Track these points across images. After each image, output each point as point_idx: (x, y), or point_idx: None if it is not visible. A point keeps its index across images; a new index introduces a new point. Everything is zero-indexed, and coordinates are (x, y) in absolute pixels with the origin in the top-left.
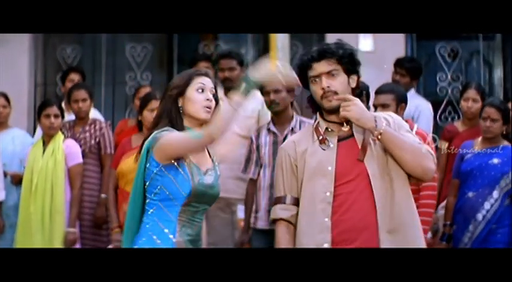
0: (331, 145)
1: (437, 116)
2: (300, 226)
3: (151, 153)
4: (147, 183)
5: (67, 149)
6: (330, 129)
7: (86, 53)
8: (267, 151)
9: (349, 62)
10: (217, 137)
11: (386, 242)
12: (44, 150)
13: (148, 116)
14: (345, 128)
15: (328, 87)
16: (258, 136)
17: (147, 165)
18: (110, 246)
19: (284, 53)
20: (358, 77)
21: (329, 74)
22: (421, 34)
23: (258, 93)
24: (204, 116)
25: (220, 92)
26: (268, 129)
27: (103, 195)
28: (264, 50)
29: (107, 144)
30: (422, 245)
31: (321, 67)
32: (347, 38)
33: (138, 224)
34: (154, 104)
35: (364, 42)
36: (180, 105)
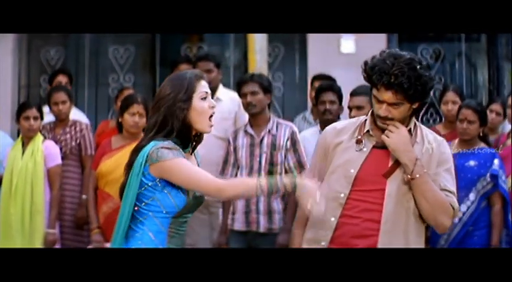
0: (365, 149)
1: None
2: (310, 217)
3: (148, 167)
4: (138, 191)
5: (46, 150)
6: (371, 133)
7: (70, 55)
8: (244, 153)
9: (418, 97)
10: (227, 198)
11: None
12: (23, 152)
13: (129, 118)
14: None
15: (386, 116)
16: (235, 138)
17: (141, 175)
18: (90, 247)
19: (262, 55)
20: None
21: (392, 104)
22: (403, 36)
23: (235, 95)
24: (209, 129)
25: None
26: (245, 131)
27: (84, 196)
28: (246, 52)
29: (87, 146)
30: None
31: (386, 95)
32: (329, 39)
33: (127, 229)
34: (136, 107)
35: (346, 44)
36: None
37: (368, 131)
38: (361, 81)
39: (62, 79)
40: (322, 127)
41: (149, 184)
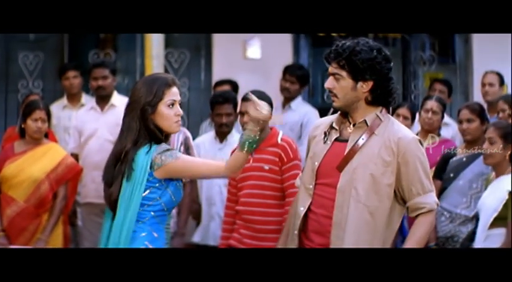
0: (328, 142)
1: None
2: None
3: (152, 172)
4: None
5: None
6: (334, 126)
7: None
8: None
9: (352, 69)
10: (237, 172)
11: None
12: None
13: (32, 124)
14: (350, 130)
15: (328, 88)
16: None
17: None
18: None
19: (159, 62)
20: (376, 83)
21: (334, 76)
22: (314, 41)
23: None
24: (176, 129)
25: (91, 101)
26: None
27: None
28: None
29: None
30: None
31: (330, 67)
32: (234, 44)
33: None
34: (38, 113)
35: (251, 50)
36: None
37: (332, 124)
38: (266, 86)
39: None
40: (219, 135)
41: (155, 186)
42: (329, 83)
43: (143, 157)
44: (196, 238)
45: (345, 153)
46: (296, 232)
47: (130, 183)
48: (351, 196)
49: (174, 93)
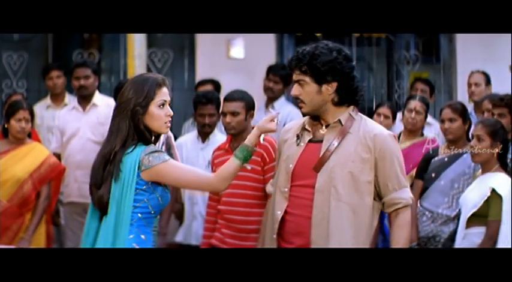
0: (302, 144)
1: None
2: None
3: (139, 173)
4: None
5: None
6: (306, 127)
7: None
8: None
9: (314, 73)
10: (223, 188)
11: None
12: None
13: (16, 124)
14: (323, 131)
15: (295, 95)
16: None
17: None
18: None
19: (141, 61)
20: (340, 83)
21: (298, 82)
22: (298, 41)
23: (111, 101)
24: (166, 131)
25: (74, 101)
26: None
27: None
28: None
29: None
30: None
31: (294, 75)
32: (217, 44)
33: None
34: (22, 113)
35: (235, 49)
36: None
37: (304, 125)
38: (249, 86)
39: None
40: (201, 135)
41: (142, 189)
42: (295, 90)
43: (129, 158)
44: (179, 238)
45: (321, 154)
46: (275, 236)
47: (118, 184)
48: (330, 195)
49: (164, 93)
